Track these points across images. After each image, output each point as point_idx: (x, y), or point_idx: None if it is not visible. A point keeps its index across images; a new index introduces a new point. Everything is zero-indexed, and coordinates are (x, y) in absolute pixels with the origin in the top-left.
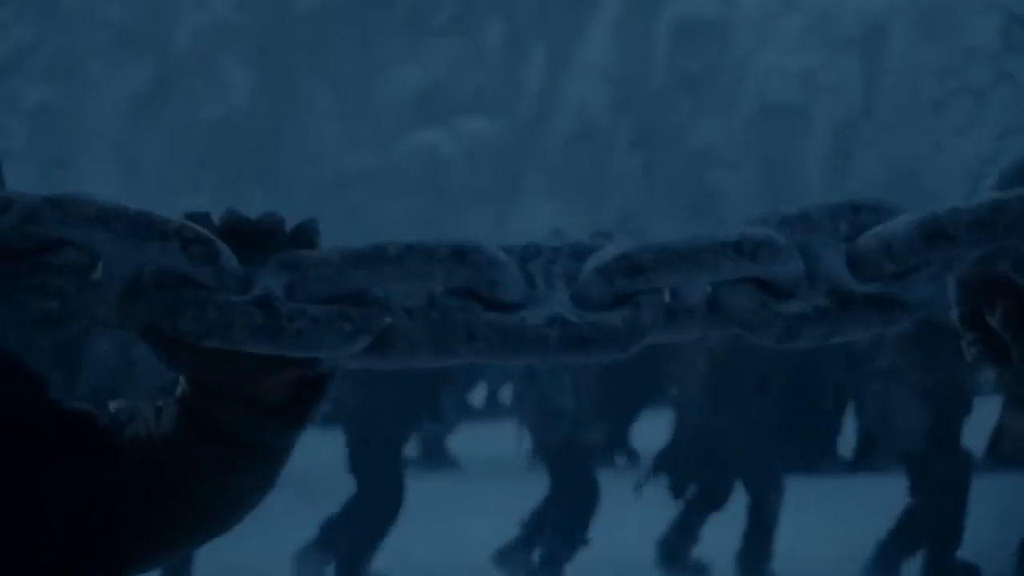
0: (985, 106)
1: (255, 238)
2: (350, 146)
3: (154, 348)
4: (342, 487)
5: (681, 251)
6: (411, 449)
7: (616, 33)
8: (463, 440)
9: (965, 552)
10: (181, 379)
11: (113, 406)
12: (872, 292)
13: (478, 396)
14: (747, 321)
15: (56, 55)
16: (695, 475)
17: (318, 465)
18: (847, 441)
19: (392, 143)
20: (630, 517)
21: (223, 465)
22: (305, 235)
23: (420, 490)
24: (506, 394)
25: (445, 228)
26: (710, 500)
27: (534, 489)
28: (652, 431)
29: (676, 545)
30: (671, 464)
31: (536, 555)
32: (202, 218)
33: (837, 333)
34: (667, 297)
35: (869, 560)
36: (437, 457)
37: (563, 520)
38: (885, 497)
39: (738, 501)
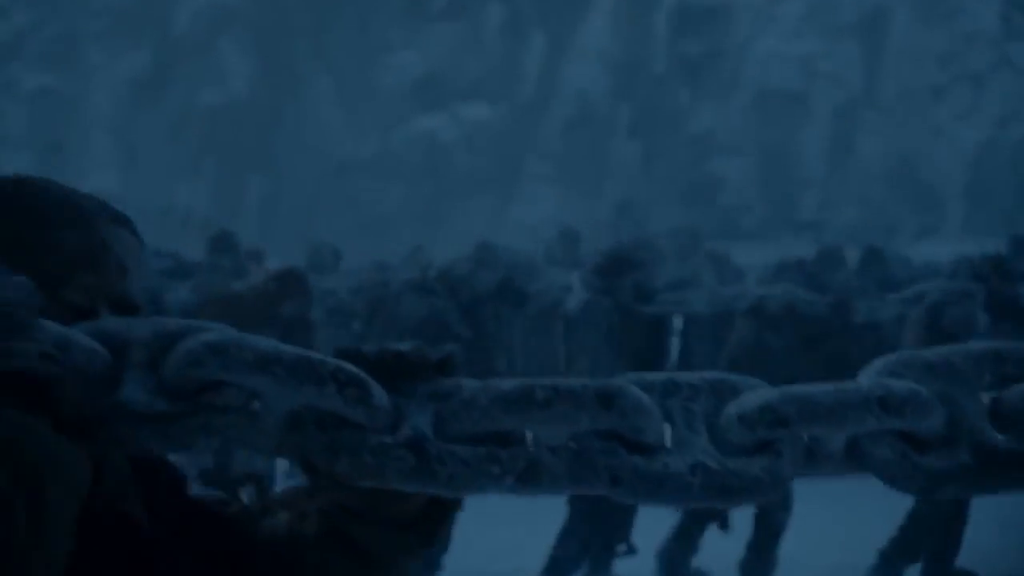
0: (985, 92)
1: (403, 370)
2: (350, 132)
3: (306, 473)
4: None
5: (826, 404)
6: None
7: (616, 18)
8: None
9: (964, 558)
10: (316, 485)
11: (245, 496)
12: (1018, 449)
13: None
14: (888, 471)
15: (54, 40)
16: None
17: None
18: None
19: (392, 129)
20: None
21: (353, 573)
22: (448, 365)
23: None
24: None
25: (445, 215)
26: (710, 510)
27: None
28: None
29: (675, 555)
30: None
31: None
32: (353, 354)
33: (981, 490)
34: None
35: (871, 568)
36: None
37: (600, 539)
38: (884, 500)
39: (737, 511)
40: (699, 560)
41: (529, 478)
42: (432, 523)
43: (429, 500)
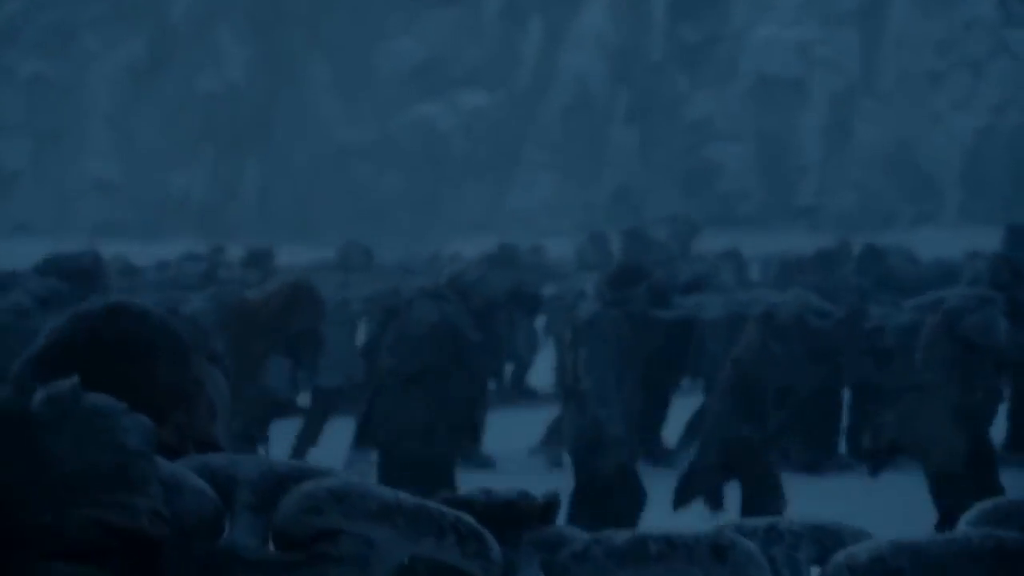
0: (983, 79)
1: (512, 518)
2: (347, 119)
3: None
4: None
5: (937, 556)
6: None
7: (613, 5)
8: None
9: None
10: None
11: None
12: None
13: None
14: None
15: (50, 27)
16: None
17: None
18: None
19: (390, 116)
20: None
21: None
22: (552, 511)
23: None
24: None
25: (442, 201)
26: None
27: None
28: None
29: None
30: (705, 476)
31: None
32: (463, 502)
33: None
34: None
35: None
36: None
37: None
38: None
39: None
40: None
41: None
42: None
43: None
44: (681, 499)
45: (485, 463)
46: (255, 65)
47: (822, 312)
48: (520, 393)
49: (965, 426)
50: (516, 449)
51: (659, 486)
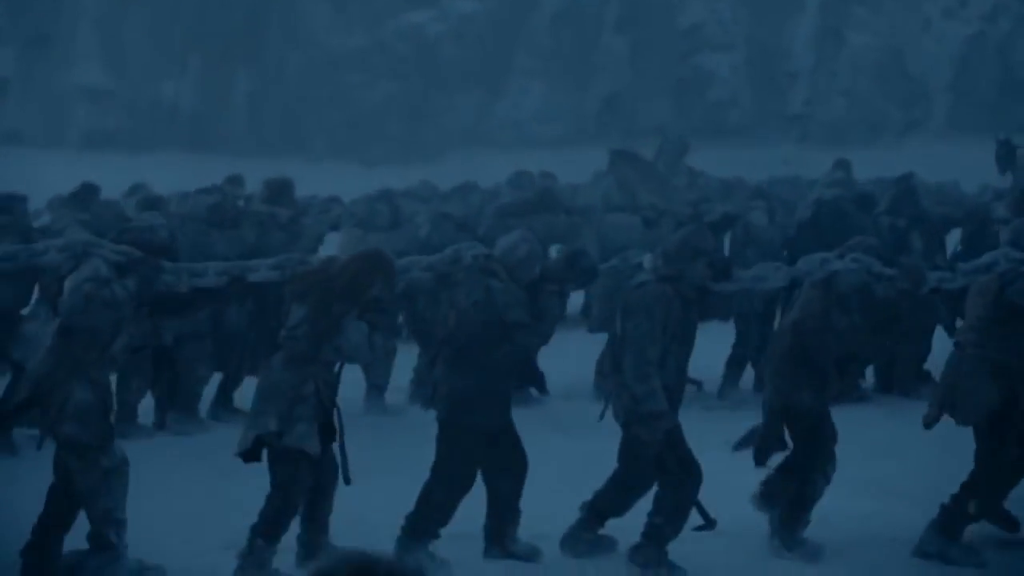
0: None
1: None
2: (338, 26)
3: None
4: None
5: None
6: None
7: None
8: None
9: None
10: None
11: None
12: None
13: None
14: None
15: None
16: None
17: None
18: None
19: (381, 23)
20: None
21: None
22: None
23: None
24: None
25: (434, 110)
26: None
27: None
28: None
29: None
30: (763, 437)
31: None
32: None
33: None
34: None
35: (931, 524)
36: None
37: (671, 501)
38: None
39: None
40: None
41: None
42: None
43: None
44: (759, 461)
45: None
46: None
47: (884, 277)
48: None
49: (999, 384)
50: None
51: (711, 434)
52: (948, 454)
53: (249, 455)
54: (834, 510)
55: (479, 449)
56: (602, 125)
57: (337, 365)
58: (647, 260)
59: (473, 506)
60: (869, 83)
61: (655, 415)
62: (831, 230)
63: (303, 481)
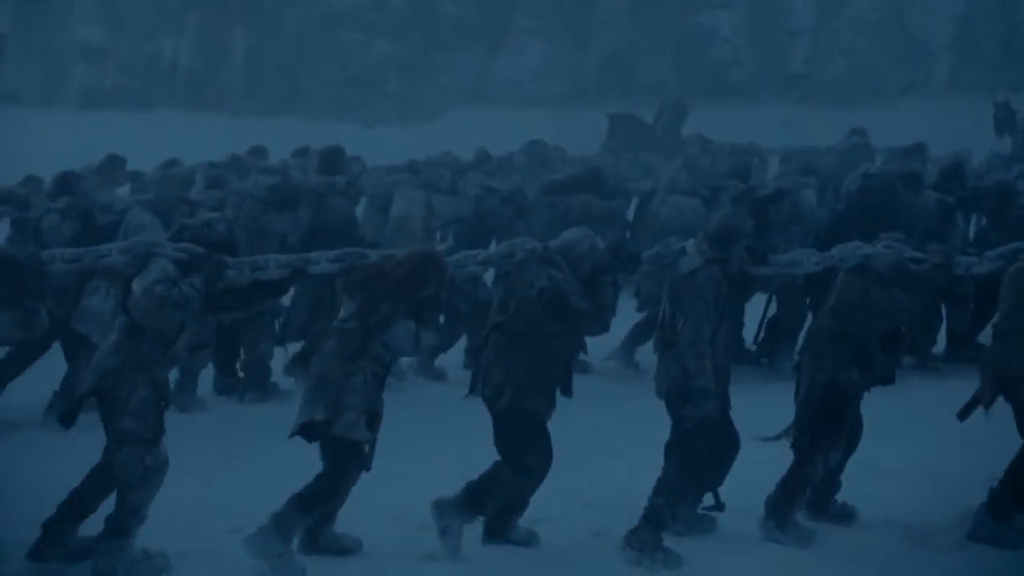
0: None
1: None
2: None
3: None
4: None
5: None
6: None
7: None
8: None
9: None
10: None
11: None
12: None
13: None
14: None
15: None
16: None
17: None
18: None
19: None
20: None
21: None
22: None
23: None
24: None
25: (434, 68)
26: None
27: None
28: None
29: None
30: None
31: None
32: None
33: None
34: None
35: (981, 507)
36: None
37: (674, 483)
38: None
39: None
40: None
41: None
42: None
43: None
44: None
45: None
46: None
47: (917, 260)
48: None
49: None
50: None
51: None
52: (939, 434)
53: (304, 436)
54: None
55: (542, 435)
56: (602, 83)
57: (388, 357)
58: (690, 245)
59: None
60: (870, 42)
61: (704, 391)
62: (879, 205)
63: (353, 470)
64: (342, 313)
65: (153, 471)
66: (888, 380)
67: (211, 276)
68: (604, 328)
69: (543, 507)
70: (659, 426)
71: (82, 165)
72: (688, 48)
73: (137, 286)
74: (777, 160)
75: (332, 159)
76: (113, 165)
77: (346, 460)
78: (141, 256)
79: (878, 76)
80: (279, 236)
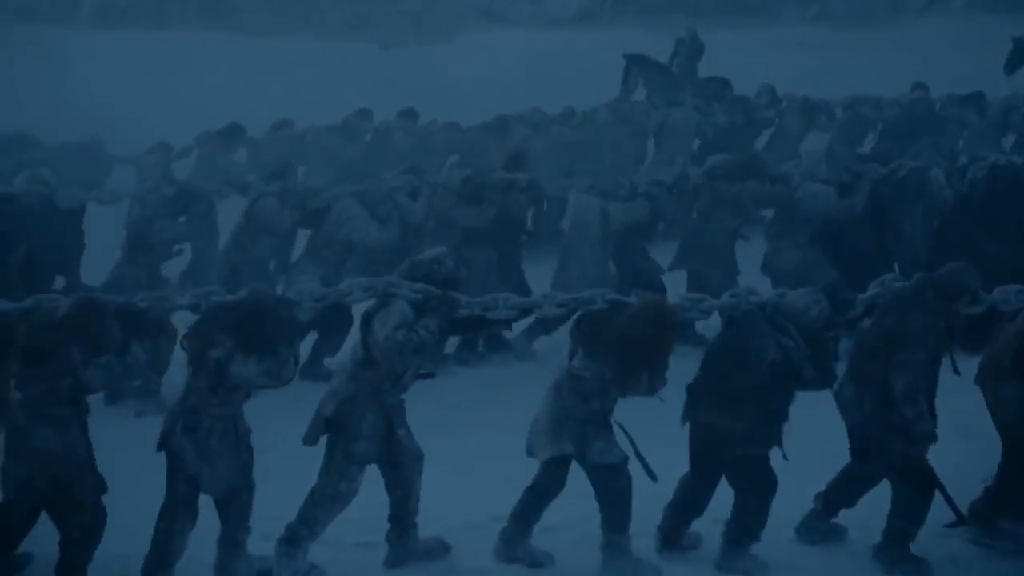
0: None
1: None
2: None
3: None
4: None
5: None
6: None
7: None
8: None
9: None
10: None
11: None
12: None
13: None
14: None
15: None
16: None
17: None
18: None
19: None
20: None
21: None
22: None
23: None
24: None
25: (439, 27)
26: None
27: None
28: None
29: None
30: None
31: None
32: None
33: None
34: None
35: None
36: None
37: (909, 504)
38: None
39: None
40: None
41: None
42: None
43: None
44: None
45: None
46: None
47: None
48: None
49: None
50: None
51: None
52: (939, 427)
53: None
54: (800, 493)
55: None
56: (619, 2)
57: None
58: (909, 287)
59: (474, 501)
60: None
61: (927, 435)
62: (1004, 197)
63: (621, 483)
64: (577, 361)
65: (339, 497)
66: None
67: (445, 316)
68: (829, 384)
69: (554, 514)
70: (660, 426)
71: (200, 131)
72: None
73: (380, 330)
74: (838, 107)
75: (519, 159)
76: (233, 133)
77: (609, 480)
78: (380, 294)
79: None
80: (462, 229)
